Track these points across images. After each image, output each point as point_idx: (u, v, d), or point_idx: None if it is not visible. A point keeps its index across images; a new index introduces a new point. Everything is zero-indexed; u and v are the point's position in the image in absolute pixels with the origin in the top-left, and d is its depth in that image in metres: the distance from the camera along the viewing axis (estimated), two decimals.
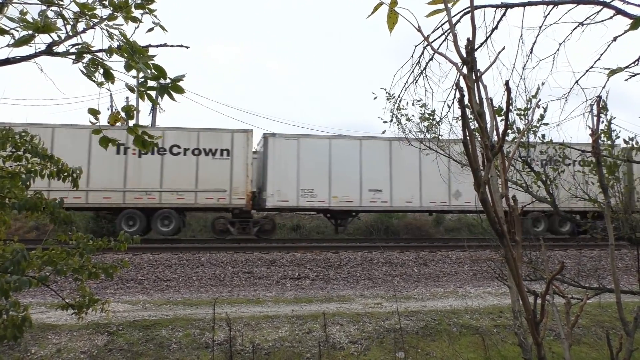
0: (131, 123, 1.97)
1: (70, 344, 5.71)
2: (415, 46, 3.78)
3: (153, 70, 1.68)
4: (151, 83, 1.70)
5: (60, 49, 1.76)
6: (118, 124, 1.92)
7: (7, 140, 2.92)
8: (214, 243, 14.28)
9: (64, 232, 3.10)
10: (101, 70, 1.73)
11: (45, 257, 2.86)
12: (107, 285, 9.09)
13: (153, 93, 1.74)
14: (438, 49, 3.76)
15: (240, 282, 9.83)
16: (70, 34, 1.78)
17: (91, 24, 1.77)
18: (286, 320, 6.60)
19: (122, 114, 1.82)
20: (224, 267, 10.67)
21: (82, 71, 1.70)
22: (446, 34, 3.75)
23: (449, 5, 1.27)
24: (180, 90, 1.75)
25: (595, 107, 2.22)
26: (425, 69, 3.94)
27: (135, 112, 1.93)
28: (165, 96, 1.74)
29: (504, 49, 1.37)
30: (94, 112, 1.80)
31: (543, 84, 3.92)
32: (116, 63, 1.76)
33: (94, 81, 1.71)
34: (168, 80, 1.71)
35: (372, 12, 1.32)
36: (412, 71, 3.99)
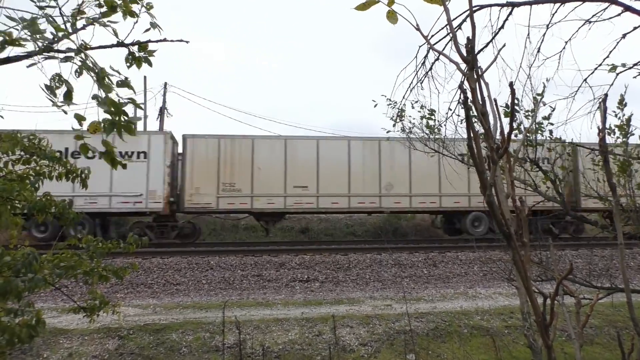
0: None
1: (81, 348, 5.77)
2: (420, 47, 3.75)
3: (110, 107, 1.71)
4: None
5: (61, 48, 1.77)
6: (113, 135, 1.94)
7: (16, 144, 2.96)
8: (223, 246, 14.35)
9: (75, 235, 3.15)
10: (64, 89, 1.71)
11: (57, 260, 2.89)
12: (117, 289, 9.16)
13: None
14: (443, 49, 3.74)
15: (249, 285, 9.84)
16: (70, 30, 1.79)
17: (91, 21, 1.78)
18: (296, 323, 6.61)
19: (102, 125, 1.81)
20: (233, 271, 10.70)
21: (42, 88, 1.68)
22: (449, 34, 3.73)
23: (447, 4, 1.27)
24: (131, 132, 1.77)
25: (602, 104, 2.20)
26: (430, 70, 3.90)
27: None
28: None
29: (504, 46, 1.36)
30: (80, 118, 1.79)
31: (548, 80, 3.87)
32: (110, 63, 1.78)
33: (51, 100, 1.69)
34: (123, 119, 1.75)
35: (367, 8, 1.31)
36: (416, 73, 3.96)
